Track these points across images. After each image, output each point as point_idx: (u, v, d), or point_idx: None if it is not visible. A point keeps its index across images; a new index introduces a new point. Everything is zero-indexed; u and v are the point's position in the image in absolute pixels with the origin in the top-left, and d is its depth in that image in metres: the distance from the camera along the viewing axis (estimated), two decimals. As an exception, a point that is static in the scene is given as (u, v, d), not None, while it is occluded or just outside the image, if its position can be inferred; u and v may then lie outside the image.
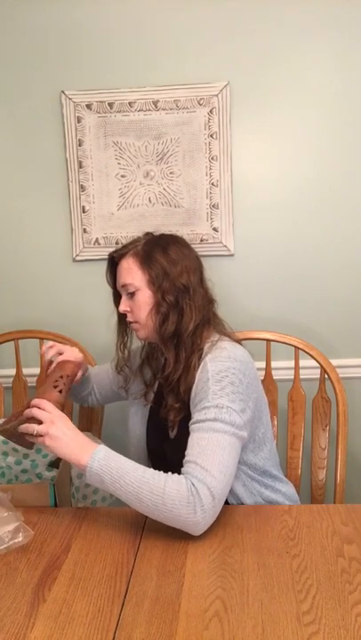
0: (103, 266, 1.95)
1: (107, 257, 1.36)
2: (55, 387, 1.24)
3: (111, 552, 1.03)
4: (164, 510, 1.01)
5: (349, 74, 1.81)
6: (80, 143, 1.87)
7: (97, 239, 1.92)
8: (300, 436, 1.59)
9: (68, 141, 1.87)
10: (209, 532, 1.06)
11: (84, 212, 1.91)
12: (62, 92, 1.83)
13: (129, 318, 1.29)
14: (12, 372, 1.86)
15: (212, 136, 1.84)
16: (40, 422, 1.10)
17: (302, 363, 1.62)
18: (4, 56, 1.85)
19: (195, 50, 1.81)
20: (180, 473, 1.07)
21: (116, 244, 1.90)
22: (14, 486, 1.26)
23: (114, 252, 1.32)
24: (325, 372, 1.57)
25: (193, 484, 1.02)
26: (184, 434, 1.15)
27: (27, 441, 1.13)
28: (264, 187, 1.88)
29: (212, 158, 1.86)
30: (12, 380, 1.86)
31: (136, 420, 1.42)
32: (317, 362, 1.58)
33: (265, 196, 1.89)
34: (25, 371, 1.86)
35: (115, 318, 1.40)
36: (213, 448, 1.06)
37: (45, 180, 1.91)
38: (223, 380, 1.14)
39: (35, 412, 1.11)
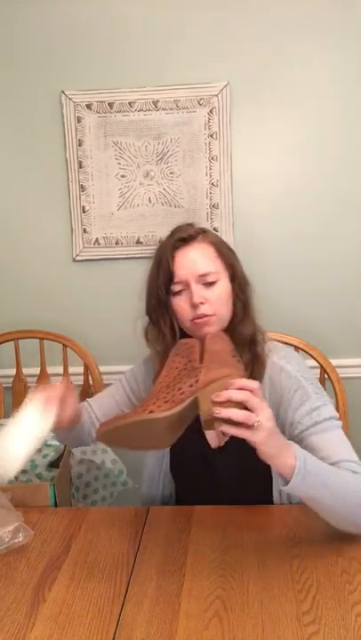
0: (103, 266, 1.97)
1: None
2: (234, 356, 0.97)
3: (111, 552, 1.03)
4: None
5: (349, 73, 1.81)
6: (80, 143, 1.87)
7: (97, 239, 1.92)
8: (301, 436, 1.59)
9: (68, 141, 1.87)
10: (209, 532, 1.06)
11: (84, 212, 1.91)
12: (62, 92, 1.83)
13: (206, 311, 1.11)
14: (12, 371, 1.86)
15: (212, 136, 1.84)
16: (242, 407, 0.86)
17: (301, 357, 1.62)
18: (4, 56, 1.85)
19: (195, 50, 1.81)
20: (227, 485, 1.06)
21: (116, 244, 1.91)
22: (14, 486, 1.26)
23: (182, 234, 1.15)
24: (325, 372, 1.57)
25: None
26: (237, 440, 1.13)
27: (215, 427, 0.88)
28: (264, 187, 1.88)
29: (212, 158, 1.86)
30: (11, 380, 1.86)
31: None
32: (317, 362, 1.58)
33: (265, 196, 1.89)
34: (25, 371, 1.85)
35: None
36: (346, 443, 1.06)
37: (45, 180, 1.91)
38: (310, 377, 1.14)
39: (245, 395, 0.86)
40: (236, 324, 1.15)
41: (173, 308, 1.14)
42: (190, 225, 1.19)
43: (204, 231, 1.17)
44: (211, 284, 1.12)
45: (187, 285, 1.11)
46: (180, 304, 1.13)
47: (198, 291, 1.11)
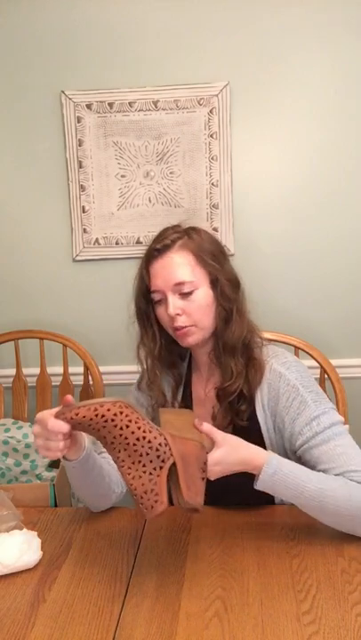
0: (103, 266, 1.97)
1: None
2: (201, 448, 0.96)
3: (111, 552, 1.03)
4: (352, 520, 0.98)
5: (349, 73, 1.81)
6: (80, 143, 1.87)
7: (97, 239, 1.92)
8: (300, 436, 1.59)
9: (68, 141, 1.87)
10: (209, 532, 1.06)
11: (84, 212, 1.91)
12: (62, 91, 1.83)
13: (182, 323, 1.11)
14: (12, 372, 1.86)
15: (212, 136, 1.84)
16: None
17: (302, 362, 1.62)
18: (4, 56, 1.85)
19: (195, 50, 1.81)
20: (226, 493, 1.05)
21: (116, 244, 1.91)
22: (14, 486, 1.27)
23: (157, 244, 1.13)
24: (325, 372, 1.57)
25: None
26: None
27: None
28: (264, 187, 1.88)
29: (212, 158, 1.86)
30: (12, 380, 1.86)
31: None
32: (317, 362, 1.58)
33: (265, 196, 1.88)
34: (25, 371, 1.85)
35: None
36: (351, 450, 1.04)
37: (45, 180, 1.91)
38: (309, 385, 1.11)
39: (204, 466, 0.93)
40: (222, 330, 1.14)
41: (157, 316, 1.15)
42: (174, 228, 1.17)
43: (187, 234, 1.15)
44: (188, 293, 1.11)
45: (164, 295, 1.12)
46: (162, 313, 1.14)
47: (174, 301, 1.11)
